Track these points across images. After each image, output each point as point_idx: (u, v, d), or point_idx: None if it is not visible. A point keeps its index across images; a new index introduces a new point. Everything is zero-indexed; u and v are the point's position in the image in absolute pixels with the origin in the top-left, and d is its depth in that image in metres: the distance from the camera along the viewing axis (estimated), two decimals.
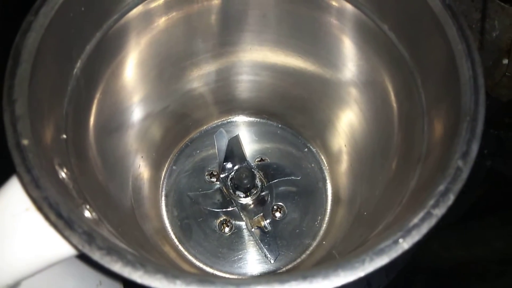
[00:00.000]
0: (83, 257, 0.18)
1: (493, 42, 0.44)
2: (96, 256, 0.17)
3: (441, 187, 0.19)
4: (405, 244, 0.18)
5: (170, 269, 0.17)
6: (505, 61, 0.44)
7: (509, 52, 0.43)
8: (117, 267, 0.17)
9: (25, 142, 0.20)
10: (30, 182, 0.19)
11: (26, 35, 0.23)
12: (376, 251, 0.18)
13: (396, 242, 0.18)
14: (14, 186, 0.21)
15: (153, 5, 0.30)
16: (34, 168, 0.19)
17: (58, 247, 0.20)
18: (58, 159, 0.23)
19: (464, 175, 0.19)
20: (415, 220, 0.18)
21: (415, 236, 0.18)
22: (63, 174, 0.22)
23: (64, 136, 0.25)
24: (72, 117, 0.26)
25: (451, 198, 0.19)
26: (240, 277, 0.38)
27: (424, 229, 0.18)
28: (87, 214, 0.21)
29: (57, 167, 0.22)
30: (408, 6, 0.25)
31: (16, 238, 0.20)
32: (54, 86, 0.25)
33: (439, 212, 0.18)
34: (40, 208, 0.18)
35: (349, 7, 0.29)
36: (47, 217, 0.18)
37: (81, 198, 0.22)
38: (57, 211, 0.18)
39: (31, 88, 0.22)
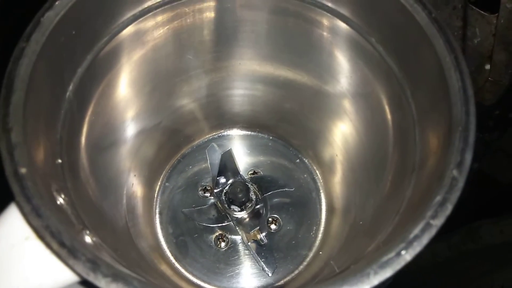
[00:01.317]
0: (85, 283, 0.18)
1: (475, 48, 0.45)
2: (102, 283, 0.17)
3: (439, 198, 0.19)
4: (407, 256, 0.18)
5: None
6: (487, 67, 0.45)
7: (490, 58, 0.44)
8: None
9: (23, 170, 0.20)
10: (31, 211, 0.19)
11: (19, 62, 0.23)
12: (380, 264, 0.18)
13: (398, 254, 0.18)
14: (12, 215, 0.21)
15: (143, 24, 0.30)
16: (33, 197, 0.19)
17: (60, 274, 0.19)
18: (55, 184, 0.23)
19: (460, 184, 0.20)
20: (416, 231, 0.19)
21: (417, 247, 0.18)
22: (61, 200, 0.22)
23: (60, 160, 0.25)
24: (66, 141, 0.26)
25: (449, 208, 0.19)
26: None
27: (425, 240, 0.19)
28: (87, 239, 0.21)
29: (55, 193, 0.22)
30: (395, 20, 0.26)
31: (17, 267, 0.20)
32: (48, 111, 0.25)
33: (438, 222, 0.19)
34: (42, 237, 0.18)
35: (337, 22, 0.29)
36: (49, 246, 0.18)
37: (80, 223, 0.22)
38: (59, 239, 0.18)
39: (26, 115, 0.22)
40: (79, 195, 0.25)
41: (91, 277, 0.17)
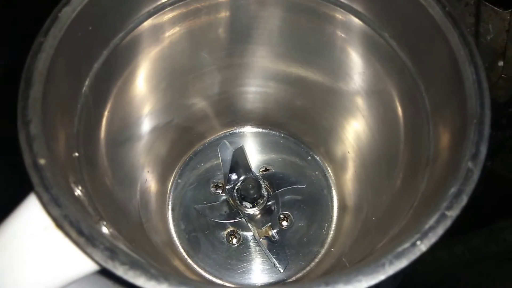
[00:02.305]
0: (104, 271, 0.19)
1: (488, 45, 0.45)
2: (120, 271, 0.17)
3: (454, 189, 0.19)
4: (422, 246, 0.18)
5: (193, 281, 0.17)
6: (501, 63, 0.45)
7: (504, 54, 0.44)
8: (141, 281, 0.17)
9: (42, 161, 0.20)
10: (50, 201, 0.19)
11: (37, 56, 0.23)
12: (395, 254, 0.18)
13: (414, 244, 0.18)
14: (31, 206, 0.21)
15: (158, 21, 0.30)
16: (52, 187, 0.19)
17: (79, 263, 0.20)
18: (73, 177, 0.23)
19: (475, 176, 0.20)
20: (431, 222, 0.19)
21: (432, 238, 0.18)
22: (78, 192, 0.22)
23: (76, 154, 0.25)
24: (82, 135, 0.27)
25: (464, 199, 0.19)
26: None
27: (440, 230, 0.19)
28: (104, 230, 0.21)
29: (72, 185, 0.22)
30: (408, 14, 0.26)
31: (37, 257, 0.20)
32: (65, 105, 0.25)
33: (453, 213, 0.19)
34: (61, 226, 0.18)
35: (350, 17, 0.29)
36: (68, 235, 0.18)
37: (97, 214, 0.22)
38: (78, 228, 0.18)
39: (44, 108, 0.22)
40: (95, 188, 0.25)
41: (110, 265, 0.18)
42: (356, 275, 0.17)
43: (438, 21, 0.24)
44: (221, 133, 0.45)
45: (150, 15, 0.30)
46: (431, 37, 0.25)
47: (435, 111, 0.26)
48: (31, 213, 0.21)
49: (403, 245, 0.18)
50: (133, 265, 0.18)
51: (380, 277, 0.17)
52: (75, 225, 0.18)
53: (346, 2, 0.29)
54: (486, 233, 0.50)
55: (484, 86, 0.22)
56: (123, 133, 0.34)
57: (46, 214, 0.20)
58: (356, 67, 0.32)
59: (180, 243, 0.40)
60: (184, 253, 0.40)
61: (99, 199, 0.25)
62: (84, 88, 0.27)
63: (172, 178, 0.43)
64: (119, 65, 0.31)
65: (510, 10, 0.40)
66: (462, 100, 0.22)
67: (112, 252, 0.18)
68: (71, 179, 0.22)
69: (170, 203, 0.42)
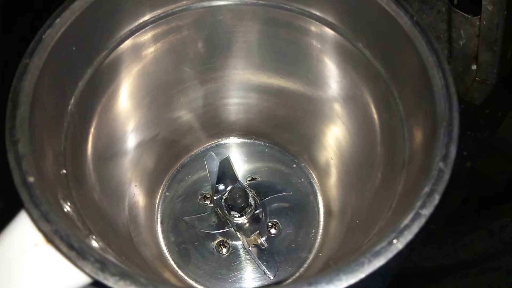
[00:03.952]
0: (96, 284, 0.19)
1: (461, 50, 0.46)
2: (110, 282, 0.18)
3: (426, 189, 0.20)
4: (399, 244, 0.19)
5: None
6: (474, 67, 0.46)
7: (476, 58, 0.46)
8: None
9: (31, 179, 0.21)
10: (40, 217, 0.19)
11: (23, 77, 0.24)
12: (373, 253, 0.19)
13: (390, 243, 0.19)
14: (22, 223, 0.21)
15: (140, 38, 0.31)
16: (42, 204, 0.20)
17: (71, 277, 0.20)
18: (61, 193, 0.23)
19: (446, 176, 0.21)
20: (406, 221, 0.20)
21: (408, 236, 0.19)
22: (67, 207, 0.23)
23: (64, 171, 0.26)
24: (70, 152, 0.27)
25: (436, 198, 0.20)
26: None
27: (415, 228, 0.20)
28: (94, 244, 0.22)
29: (61, 201, 0.23)
30: (379, 25, 0.27)
31: (29, 272, 0.21)
32: (52, 123, 0.26)
33: (427, 212, 0.20)
34: (51, 241, 0.19)
35: (325, 29, 0.31)
36: (59, 249, 0.19)
37: (86, 229, 0.23)
38: (68, 242, 0.19)
39: (31, 127, 0.23)
40: (84, 204, 0.26)
41: (100, 277, 0.18)
42: (337, 274, 0.18)
43: (407, 31, 0.26)
44: (207, 145, 0.46)
45: (132, 33, 0.31)
46: (401, 45, 0.26)
47: (408, 115, 0.27)
48: (22, 230, 0.21)
49: (380, 244, 0.19)
50: (123, 275, 0.18)
51: (360, 275, 0.18)
52: (65, 239, 0.19)
53: (320, 15, 0.30)
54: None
55: (451, 90, 0.23)
56: (109, 149, 0.35)
57: (36, 230, 0.21)
58: (333, 76, 0.34)
59: (170, 256, 0.41)
60: (174, 265, 0.40)
61: (88, 214, 0.25)
62: (69, 107, 0.28)
63: (160, 191, 0.44)
64: (103, 83, 0.31)
65: (479, 17, 0.42)
66: (432, 104, 0.24)
67: (102, 264, 0.19)
68: (60, 196, 0.23)
69: (159, 216, 0.43)
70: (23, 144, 0.22)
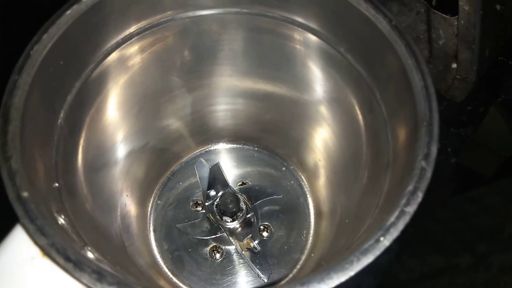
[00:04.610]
0: None
1: (441, 49, 0.48)
2: None
3: (410, 187, 0.21)
4: (386, 242, 0.20)
5: None
6: (454, 65, 0.48)
7: (456, 57, 0.47)
8: None
9: (25, 194, 0.21)
10: (36, 231, 0.20)
11: (13, 93, 0.24)
12: (362, 251, 0.20)
13: (377, 240, 0.20)
14: (16, 237, 0.22)
15: (127, 50, 0.32)
16: (37, 218, 0.20)
17: None
18: (55, 206, 0.24)
19: (428, 174, 0.22)
20: (392, 219, 0.21)
21: (394, 233, 0.20)
22: (61, 220, 0.23)
23: (57, 184, 0.26)
24: (61, 165, 0.28)
25: (419, 196, 0.21)
26: None
27: (400, 225, 0.20)
28: (90, 255, 0.22)
29: (55, 214, 0.23)
30: (360, 30, 0.28)
31: (27, 286, 0.21)
32: (42, 138, 0.26)
33: (411, 209, 0.21)
34: (48, 254, 0.19)
35: (307, 35, 0.31)
36: (56, 262, 0.19)
37: (81, 241, 0.23)
38: (65, 255, 0.19)
39: (22, 143, 0.23)
40: (77, 216, 0.26)
41: (98, 287, 0.19)
42: (328, 273, 0.19)
43: (386, 34, 0.26)
44: (196, 151, 0.46)
45: (118, 45, 0.31)
46: (381, 49, 0.27)
47: (391, 116, 0.28)
48: (17, 244, 0.21)
49: (368, 242, 0.20)
50: (120, 284, 0.19)
51: (350, 273, 0.19)
52: (61, 252, 0.19)
53: (303, 21, 0.31)
54: None
55: (431, 91, 0.24)
56: (99, 160, 0.35)
57: (32, 244, 0.21)
58: (317, 80, 0.35)
59: (164, 263, 0.41)
60: (169, 273, 0.41)
61: (81, 226, 0.25)
62: (59, 120, 0.28)
63: (151, 200, 0.44)
64: (91, 95, 0.32)
65: (456, 17, 0.43)
66: (413, 105, 0.25)
67: (99, 274, 0.19)
68: (53, 209, 0.23)
69: (151, 224, 0.43)
70: (16, 160, 0.22)
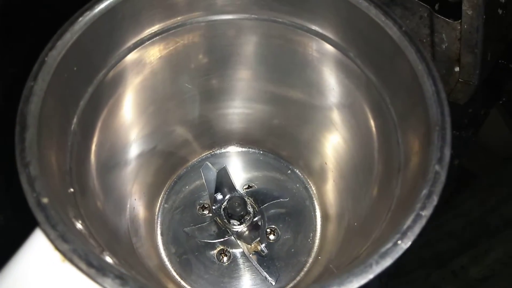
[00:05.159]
0: None
1: (444, 53, 0.48)
2: None
3: (425, 191, 0.22)
4: (403, 245, 0.20)
5: None
6: (457, 69, 0.48)
7: (459, 61, 0.48)
8: None
9: (45, 200, 0.21)
10: (57, 237, 0.20)
11: (29, 100, 0.24)
12: (380, 254, 0.20)
13: (395, 244, 0.20)
14: (35, 243, 0.22)
15: (139, 54, 0.32)
16: (58, 224, 0.20)
17: None
18: (72, 212, 0.24)
19: (443, 177, 0.22)
20: (408, 222, 0.21)
21: (411, 236, 0.21)
22: (79, 225, 0.23)
23: (72, 189, 0.26)
24: (75, 170, 0.28)
25: (435, 199, 0.21)
26: None
27: (417, 229, 0.21)
28: (108, 259, 0.22)
29: (73, 220, 0.23)
30: (370, 35, 0.29)
31: None
32: (57, 144, 0.26)
33: (427, 212, 0.21)
34: (70, 260, 0.19)
35: (318, 41, 0.32)
36: (78, 267, 0.19)
37: (99, 246, 0.23)
38: (87, 260, 0.19)
39: (40, 149, 0.23)
40: (92, 221, 0.26)
41: None
42: (348, 277, 0.19)
43: (396, 40, 0.27)
44: (202, 155, 0.46)
45: (130, 50, 0.32)
46: (391, 54, 0.28)
47: (401, 121, 0.28)
48: (37, 249, 0.22)
49: (386, 246, 0.20)
50: None
51: (369, 276, 0.19)
52: (83, 257, 0.20)
53: (314, 28, 0.31)
54: None
55: (442, 96, 0.25)
56: (110, 164, 0.35)
57: (52, 249, 0.21)
58: (327, 84, 0.35)
59: (172, 267, 0.41)
60: (177, 276, 0.41)
61: (97, 230, 0.26)
62: (73, 126, 0.28)
63: (158, 204, 0.44)
64: (103, 100, 0.32)
65: (459, 21, 0.44)
66: (424, 109, 0.25)
67: (122, 280, 0.19)
68: (71, 214, 0.23)
69: (159, 228, 0.43)
70: (34, 166, 0.22)
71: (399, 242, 0.20)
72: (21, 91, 0.25)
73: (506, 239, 0.51)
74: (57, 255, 0.21)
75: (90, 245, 0.22)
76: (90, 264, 0.19)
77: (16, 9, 0.50)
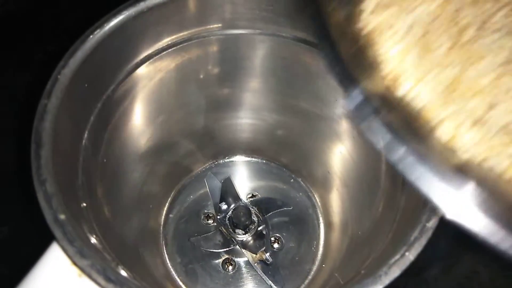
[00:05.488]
0: None
1: None
2: None
3: (431, 204, 0.22)
4: (411, 256, 0.21)
5: None
6: None
7: None
8: None
9: (62, 216, 0.22)
10: (75, 253, 0.21)
11: (43, 117, 0.25)
12: (389, 265, 0.21)
13: (403, 255, 0.21)
14: (52, 258, 0.22)
15: (147, 69, 0.33)
16: (76, 240, 0.21)
17: None
18: (86, 226, 0.25)
19: None
20: (415, 234, 0.22)
21: (418, 248, 0.21)
22: (93, 240, 0.24)
23: (84, 204, 0.27)
24: (86, 185, 0.28)
25: (440, 212, 0.22)
26: None
27: (423, 240, 0.21)
28: (123, 273, 0.23)
29: (88, 235, 0.24)
30: None
31: None
32: (70, 160, 0.27)
33: (433, 224, 0.22)
34: (88, 275, 0.20)
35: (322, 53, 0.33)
36: (97, 283, 0.20)
37: (113, 260, 0.24)
38: (105, 275, 0.20)
39: (55, 166, 0.24)
40: (104, 234, 0.27)
41: None
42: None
43: None
44: (206, 165, 0.47)
45: (138, 65, 0.32)
46: None
47: None
48: (54, 264, 0.22)
49: (394, 257, 0.21)
50: None
51: (379, 287, 0.20)
52: (102, 272, 0.20)
53: (317, 42, 0.32)
54: None
55: None
56: (117, 177, 0.36)
57: (69, 264, 0.22)
58: (332, 95, 0.36)
59: (178, 276, 0.42)
60: (183, 286, 0.41)
61: (110, 244, 0.26)
62: (83, 141, 0.29)
63: (163, 214, 0.45)
64: (111, 114, 0.33)
65: None
66: None
67: None
68: (85, 229, 0.24)
69: (164, 238, 0.44)
70: (50, 183, 0.23)
71: (407, 253, 0.21)
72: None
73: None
74: (74, 270, 0.22)
75: (106, 259, 0.23)
76: (108, 279, 0.20)
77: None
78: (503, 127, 0.18)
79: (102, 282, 0.20)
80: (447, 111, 0.18)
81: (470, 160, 0.17)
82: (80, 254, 0.21)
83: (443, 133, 0.18)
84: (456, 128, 0.18)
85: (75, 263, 0.20)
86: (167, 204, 0.45)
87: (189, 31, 0.32)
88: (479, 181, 0.17)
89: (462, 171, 0.17)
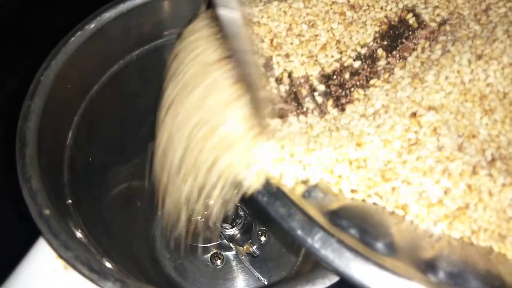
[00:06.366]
0: None
1: None
2: None
3: None
4: None
5: None
6: None
7: None
8: None
9: (47, 212, 0.23)
10: (60, 246, 0.21)
11: (27, 117, 0.26)
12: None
13: None
14: (38, 252, 0.23)
15: (129, 68, 0.33)
16: (60, 234, 0.22)
17: None
18: (71, 221, 0.25)
19: None
20: None
21: None
22: (79, 234, 0.25)
23: (70, 200, 0.28)
24: (71, 182, 0.29)
25: None
26: None
27: None
28: (108, 265, 0.24)
29: (73, 229, 0.25)
30: None
31: None
32: (55, 158, 0.28)
33: None
34: (73, 266, 0.21)
35: None
36: (81, 273, 0.21)
37: (99, 252, 0.25)
38: (89, 266, 0.21)
39: (40, 164, 0.25)
40: (90, 229, 0.28)
41: None
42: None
43: None
44: None
45: (120, 66, 0.33)
46: None
47: None
48: (40, 258, 0.23)
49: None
50: None
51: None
52: (86, 263, 0.21)
53: None
54: None
55: None
56: (103, 172, 0.36)
57: (54, 257, 0.23)
58: None
59: (168, 272, 0.43)
60: (173, 281, 0.42)
61: (95, 238, 0.27)
62: (68, 140, 0.30)
63: (151, 210, 0.45)
64: (95, 113, 0.33)
65: None
66: None
67: (122, 282, 0.21)
68: (71, 224, 0.25)
69: (152, 234, 0.45)
70: (35, 180, 0.24)
71: None
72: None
73: None
74: (60, 263, 0.22)
75: (91, 252, 0.24)
76: (92, 269, 0.21)
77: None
78: None
79: (86, 272, 0.21)
80: None
81: None
82: (65, 247, 0.21)
83: None
84: None
85: (60, 256, 0.21)
86: (154, 200, 0.46)
87: (169, 31, 0.33)
88: None
89: None
